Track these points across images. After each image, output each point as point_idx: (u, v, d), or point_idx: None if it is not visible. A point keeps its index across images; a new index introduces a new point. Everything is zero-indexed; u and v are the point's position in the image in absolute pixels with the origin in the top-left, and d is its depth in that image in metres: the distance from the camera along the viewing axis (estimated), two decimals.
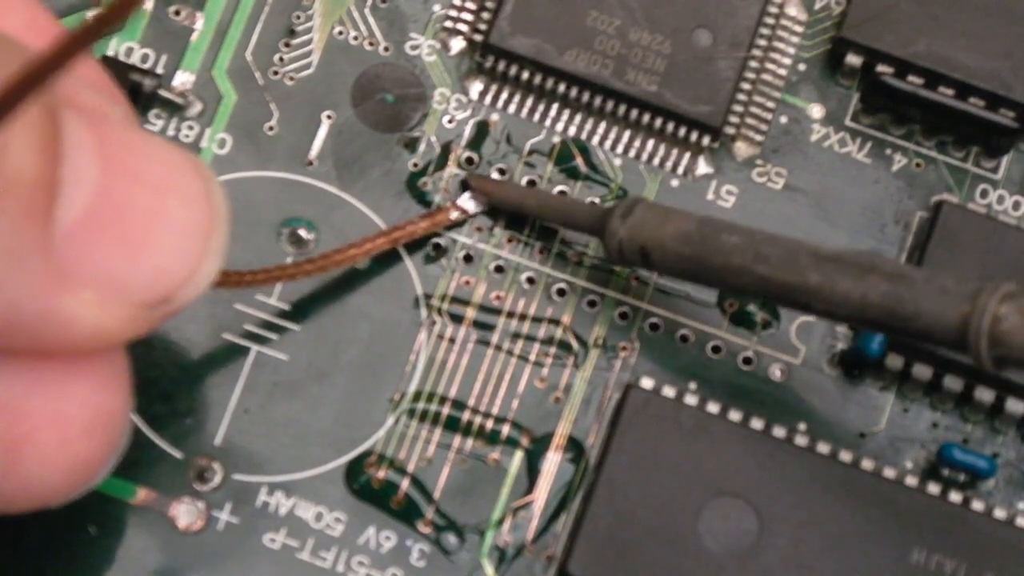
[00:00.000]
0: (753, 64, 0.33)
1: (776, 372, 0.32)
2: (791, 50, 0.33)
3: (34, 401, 0.22)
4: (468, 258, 0.32)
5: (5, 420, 0.22)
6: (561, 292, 0.32)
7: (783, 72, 0.33)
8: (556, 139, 0.32)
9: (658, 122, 0.32)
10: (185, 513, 0.30)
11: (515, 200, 0.31)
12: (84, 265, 0.21)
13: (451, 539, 0.30)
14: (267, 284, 0.30)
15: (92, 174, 0.21)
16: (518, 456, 0.31)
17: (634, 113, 0.32)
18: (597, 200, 0.32)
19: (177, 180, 0.22)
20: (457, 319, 0.31)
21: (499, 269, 0.32)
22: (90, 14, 0.32)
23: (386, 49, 0.33)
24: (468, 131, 0.32)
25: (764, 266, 0.27)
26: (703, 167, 0.33)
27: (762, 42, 0.33)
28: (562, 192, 0.32)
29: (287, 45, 0.33)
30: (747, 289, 0.28)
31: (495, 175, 0.32)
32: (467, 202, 0.32)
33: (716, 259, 0.28)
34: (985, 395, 0.31)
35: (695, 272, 0.29)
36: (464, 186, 0.32)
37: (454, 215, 0.31)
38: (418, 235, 0.31)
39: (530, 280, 0.32)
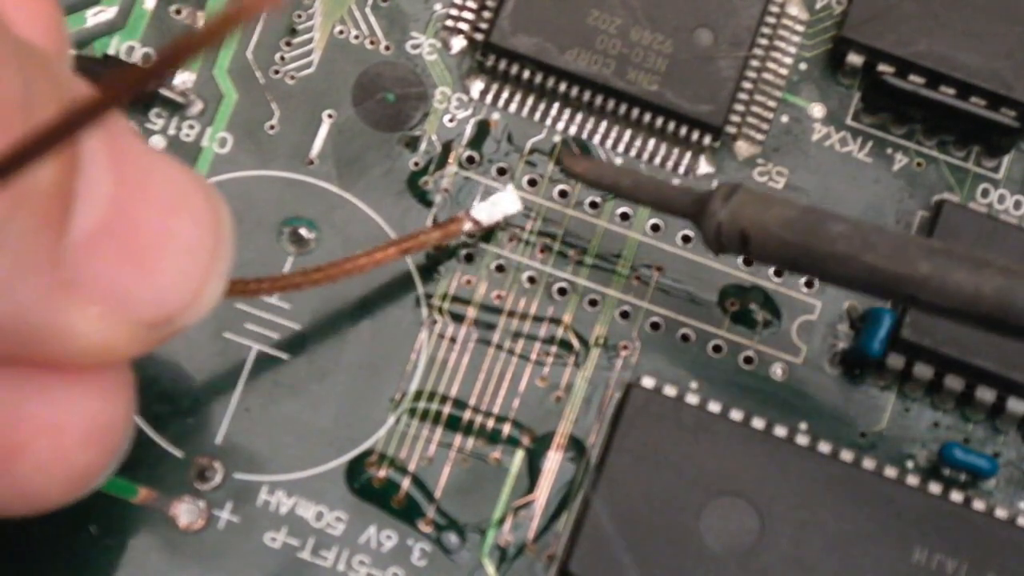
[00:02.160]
0: (754, 63, 0.33)
1: (777, 371, 0.32)
2: (792, 49, 0.33)
3: (32, 409, 0.22)
4: (469, 257, 0.32)
5: (2, 427, 0.22)
6: (562, 291, 0.32)
7: (784, 71, 0.33)
8: (557, 138, 0.32)
9: (659, 121, 0.32)
10: (186, 512, 0.30)
11: (609, 179, 0.31)
12: (92, 279, 0.21)
13: (452, 538, 0.30)
14: (273, 293, 0.30)
15: (106, 188, 0.21)
16: (519, 455, 0.31)
17: (635, 112, 0.32)
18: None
19: (187, 200, 0.22)
20: (458, 318, 0.31)
21: (500, 268, 0.32)
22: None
23: (387, 48, 0.33)
24: (469, 130, 0.32)
25: (872, 254, 0.26)
26: (704, 166, 0.33)
27: (763, 41, 0.33)
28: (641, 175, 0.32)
29: (288, 44, 0.33)
30: (850, 279, 0.27)
31: (495, 174, 0.32)
32: (480, 212, 0.31)
33: (821, 247, 0.27)
34: (986, 395, 0.31)
35: (796, 259, 0.27)
36: (557, 161, 0.32)
37: (467, 226, 0.31)
38: (429, 245, 0.31)
39: (531, 279, 0.32)
